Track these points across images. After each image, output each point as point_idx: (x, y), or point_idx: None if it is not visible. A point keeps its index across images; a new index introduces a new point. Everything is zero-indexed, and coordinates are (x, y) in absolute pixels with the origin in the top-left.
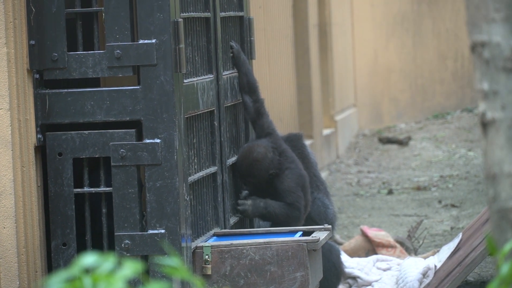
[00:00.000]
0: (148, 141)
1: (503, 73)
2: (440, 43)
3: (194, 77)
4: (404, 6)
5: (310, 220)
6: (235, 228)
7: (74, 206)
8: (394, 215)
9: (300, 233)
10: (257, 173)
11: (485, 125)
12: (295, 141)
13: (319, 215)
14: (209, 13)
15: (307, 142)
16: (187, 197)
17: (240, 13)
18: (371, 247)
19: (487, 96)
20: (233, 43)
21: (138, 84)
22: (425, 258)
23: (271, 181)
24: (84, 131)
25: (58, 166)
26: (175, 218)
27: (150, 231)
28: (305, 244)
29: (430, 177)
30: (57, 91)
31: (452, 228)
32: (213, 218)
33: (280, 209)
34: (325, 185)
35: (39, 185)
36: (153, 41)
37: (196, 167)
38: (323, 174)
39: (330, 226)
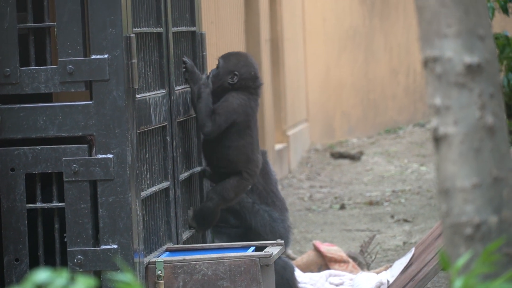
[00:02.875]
0: (100, 156)
1: (455, 88)
2: (392, 58)
3: (146, 92)
4: (356, 21)
5: (254, 232)
6: (188, 243)
7: (26, 222)
8: (347, 230)
9: (252, 248)
10: None
11: (437, 140)
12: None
13: (264, 227)
14: (161, 28)
15: None
16: (139, 212)
17: (192, 28)
18: (323, 262)
19: (439, 111)
20: (185, 59)
21: (91, 99)
22: (377, 273)
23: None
24: (37, 147)
25: (10, 182)
26: (127, 233)
27: (103, 247)
28: (258, 259)
29: (383, 192)
30: (10, 106)
31: (404, 243)
32: (165, 233)
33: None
34: (282, 202)
35: None
36: (106, 56)
37: (148, 182)
38: None
39: (283, 241)
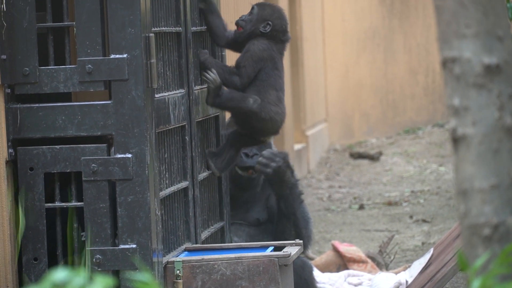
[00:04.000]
0: (119, 156)
1: (473, 89)
2: (411, 59)
3: (165, 92)
4: (375, 21)
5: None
6: (207, 243)
7: (45, 221)
8: (365, 230)
9: (271, 248)
10: None
11: (456, 141)
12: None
13: (306, 222)
14: (180, 28)
15: None
16: (158, 212)
17: None
18: (342, 262)
19: (458, 112)
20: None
21: (110, 99)
22: (396, 273)
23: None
24: (55, 146)
25: (29, 181)
26: (146, 233)
27: (122, 246)
28: (276, 259)
29: (401, 192)
30: (29, 105)
31: (423, 243)
32: (184, 233)
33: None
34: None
35: (10, 199)
36: (125, 56)
37: (167, 182)
38: None
39: (301, 241)
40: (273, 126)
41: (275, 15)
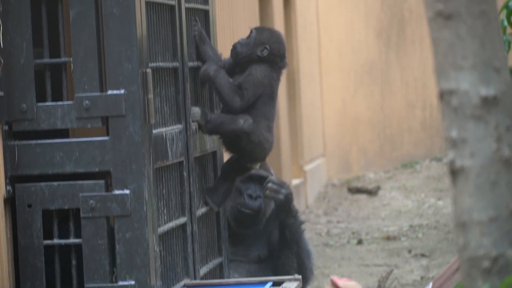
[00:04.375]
0: (117, 192)
1: (471, 121)
2: (408, 92)
3: (163, 127)
4: (372, 55)
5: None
6: (205, 279)
7: (43, 258)
8: (364, 265)
9: (270, 283)
10: None
11: (454, 173)
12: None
13: (308, 255)
14: (177, 63)
15: None
16: (157, 248)
17: None
18: None
19: (455, 144)
20: (197, 22)
21: (107, 135)
22: None
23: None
24: (54, 183)
25: (27, 218)
26: (145, 269)
27: (120, 283)
28: None
29: (400, 227)
30: (26, 142)
31: (422, 278)
32: (183, 269)
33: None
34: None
35: (8, 237)
36: (122, 91)
37: (165, 218)
38: None
39: (300, 276)
40: (261, 151)
41: (273, 39)
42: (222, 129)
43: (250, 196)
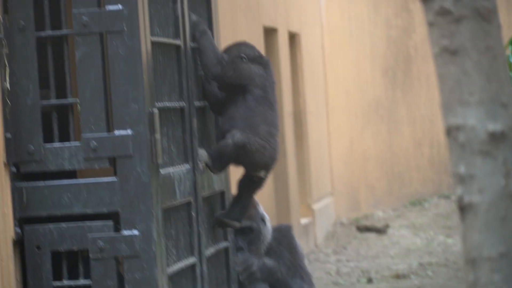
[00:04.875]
0: (126, 232)
1: (479, 157)
2: (415, 130)
3: (170, 167)
4: (379, 93)
5: None
6: None
7: None
8: None
9: None
10: None
11: (462, 209)
12: (284, 232)
13: None
14: (184, 103)
15: None
16: None
17: None
18: None
19: (463, 180)
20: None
21: (115, 175)
22: None
23: None
24: (62, 224)
25: (36, 260)
26: None
27: None
28: None
29: (409, 265)
30: (34, 184)
31: None
32: None
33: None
34: (309, 277)
35: (18, 279)
36: (129, 132)
37: (174, 258)
38: None
39: None
40: (261, 158)
41: (242, 48)
42: (224, 159)
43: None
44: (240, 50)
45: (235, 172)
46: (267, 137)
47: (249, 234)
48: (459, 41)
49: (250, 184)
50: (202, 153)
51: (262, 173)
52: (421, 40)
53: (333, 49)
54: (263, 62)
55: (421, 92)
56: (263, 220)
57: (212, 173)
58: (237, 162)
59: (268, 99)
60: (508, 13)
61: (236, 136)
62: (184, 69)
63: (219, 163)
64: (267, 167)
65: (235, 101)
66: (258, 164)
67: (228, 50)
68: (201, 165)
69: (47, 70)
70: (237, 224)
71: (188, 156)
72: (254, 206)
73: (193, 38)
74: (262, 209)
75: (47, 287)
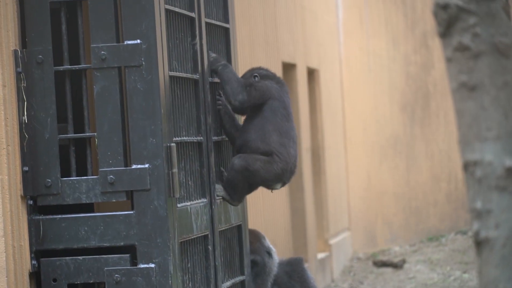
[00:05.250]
0: (142, 266)
1: (495, 192)
2: (433, 165)
3: (187, 202)
4: (397, 129)
5: None
6: None
7: None
8: None
9: None
10: None
11: (479, 244)
12: (295, 265)
13: None
14: (201, 138)
15: None
16: None
17: None
18: None
19: (480, 215)
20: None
21: (132, 209)
22: None
23: None
24: (79, 257)
25: None
26: None
27: None
28: None
29: None
30: (51, 217)
31: None
32: None
33: None
34: None
35: None
36: (146, 165)
37: None
38: None
39: None
40: (269, 174)
41: (255, 69)
42: (237, 187)
43: None
44: (252, 71)
45: (252, 206)
46: (278, 148)
47: (254, 267)
48: (477, 76)
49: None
50: (219, 188)
51: (278, 186)
52: (439, 76)
53: (351, 84)
54: (276, 78)
55: (440, 128)
56: (268, 253)
57: (229, 207)
58: (251, 184)
59: (285, 110)
60: None
61: (234, 163)
62: (202, 104)
63: (234, 193)
64: (279, 179)
65: (252, 116)
66: (268, 179)
67: (242, 76)
68: (218, 201)
69: (65, 104)
70: (235, 204)
71: (205, 190)
72: (259, 239)
73: (215, 72)
74: (268, 242)
75: None
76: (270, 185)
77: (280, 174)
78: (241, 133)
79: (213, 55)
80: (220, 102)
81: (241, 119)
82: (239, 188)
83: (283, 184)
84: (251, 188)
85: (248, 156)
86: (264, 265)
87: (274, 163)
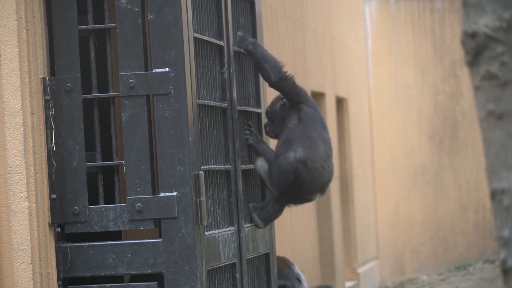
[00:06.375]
0: None
1: None
2: (461, 195)
3: (215, 230)
4: (425, 158)
5: None
6: None
7: None
8: None
9: None
10: None
11: (506, 272)
12: None
13: None
14: (230, 166)
15: None
16: None
17: None
18: None
19: (507, 243)
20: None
21: (160, 237)
22: None
23: None
24: (106, 285)
25: None
26: None
27: None
28: None
29: None
30: (79, 244)
31: None
32: None
33: None
34: None
35: None
36: (174, 193)
37: None
38: None
39: None
40: (319, 178)
41: (278, 97)
42: (284, 175)
43: None
44: (279, 96)
45: (279, 234)
46: (325, 157)
47: None
48: (505, 105)
49: (293, 200)
50: (259, 222)
51: (317, 197)
52: (468, 106)
53: (380, 113)
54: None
55: (468, 158)
56: (298, 280)
57: (257, 235)
58: (296, 182)
59: (321, 120)
60: None
61: (298, 151)
62: (230, 132)
63: (278, 181)
64: (323, 189)
65: (291, 124)
66: (316, 184)
67: (271, 103)
68: (246, 229)
69: (93, 131)
70: (261, 226)
71: (233, 218)
72: (289, 266)
73: (246, 51)
74: (297, 269)
75: None
76: (313, 191)
77: (325, 183)
78: (282, 142)
79: (240, 33)
80: (248, 132)
81: (268, 141)
82: (285, 176)
83: (321, 196)
84: (290, 195)
85: (312, 151)
86: None
87: (324, 170)
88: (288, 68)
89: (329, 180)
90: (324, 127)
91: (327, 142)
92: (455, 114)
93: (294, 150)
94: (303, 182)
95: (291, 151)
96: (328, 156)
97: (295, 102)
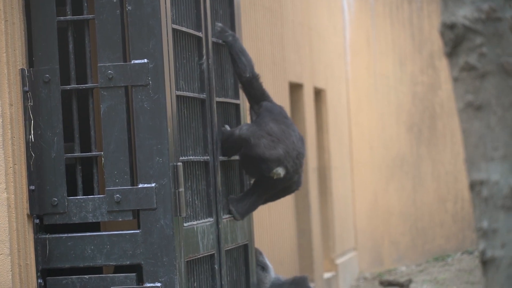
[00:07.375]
0: (148, 285)
1: (502, 211)
2: (439, 186)
3: (194, 221)
4: (403, 149)
5: None
6: None
7: None
8: None
9: None
10: None
11: (485, 263)
12: (300, 284)
13: None
14: (208, 157)
15: None
16: None
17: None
18: None
19: (486, 235)
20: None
21: (138, 228)
22: None
23: None
24: (85, 276)
25: None
26: None
27: None
28: None
29: None
30: (57, 236)
31: None
32: None
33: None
34: None
35: None
36: (153, 185)
37: None
38: None
39: None
40: (270, 153)
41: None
42: (226, 145)
43: None
44: None
45: (258, 226)
46: (278, 133)
47: None
48: (483, 96)
49: (266, 186)
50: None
51: (279, 171)
52: (446, 96)
53: (358, 104)
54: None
55: (446, 149)
56: (263, 268)
57: (236, 226)
58: (247, 160)
59: (281, 109)
60: None
61: (243, 128)
62: (209, 123)
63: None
64: (280, 162)
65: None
66: (268, 159)
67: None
68: (225, 220)
69: (72, 123)
70: (238, 218)
71: (212, 209)
72: (255, 255)
73: (225, 42)
74: (265, 258)
75: None
76: (270, 167)
77: (282, 156)
78: None
79: (219, 24)
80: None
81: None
82: (226, 147)
83: (287, 173)
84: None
85: (257, 129)
86: (259, 280)
87: (278, 144)
88: (266, 59)
89: (288, 154)
90: (285, 116)
91: (282, 123)
92: (434, 105)
93: (239, 127)
94: (256, 160)
95: (236, 128)
96: (283, 132)
97: (259, 101)
